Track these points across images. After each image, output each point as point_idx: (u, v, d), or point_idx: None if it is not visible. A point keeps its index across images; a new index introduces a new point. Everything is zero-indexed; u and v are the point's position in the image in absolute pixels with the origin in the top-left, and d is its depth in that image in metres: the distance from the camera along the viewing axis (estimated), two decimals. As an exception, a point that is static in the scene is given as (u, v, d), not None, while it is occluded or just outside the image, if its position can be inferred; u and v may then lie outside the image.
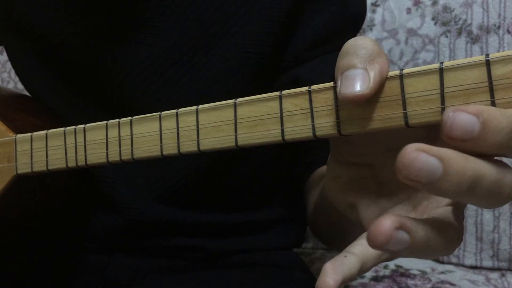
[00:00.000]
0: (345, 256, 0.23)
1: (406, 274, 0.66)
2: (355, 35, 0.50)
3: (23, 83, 0.54)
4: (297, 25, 0.46)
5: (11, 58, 0.53)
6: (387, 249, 0.20)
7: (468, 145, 0.19)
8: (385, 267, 0.69)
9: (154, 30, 0.45)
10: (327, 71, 0.45)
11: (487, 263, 0.68)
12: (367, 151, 0.28)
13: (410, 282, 0.63)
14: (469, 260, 0.69)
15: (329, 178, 0.30)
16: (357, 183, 0.29)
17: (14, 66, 0.53)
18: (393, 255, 0.24)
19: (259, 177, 0.51)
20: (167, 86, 0.46)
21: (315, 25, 0.46)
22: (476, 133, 0.18)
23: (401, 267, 0.69)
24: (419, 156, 0.18)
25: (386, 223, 0.19)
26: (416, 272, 0.67)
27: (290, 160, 0.51)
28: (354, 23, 0.49)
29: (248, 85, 0.45)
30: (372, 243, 0.20)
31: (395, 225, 0.19)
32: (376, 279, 0.64)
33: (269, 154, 0.50)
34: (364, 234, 0.26)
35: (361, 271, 0.23)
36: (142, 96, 0.46)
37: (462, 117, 0.19)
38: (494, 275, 0.66)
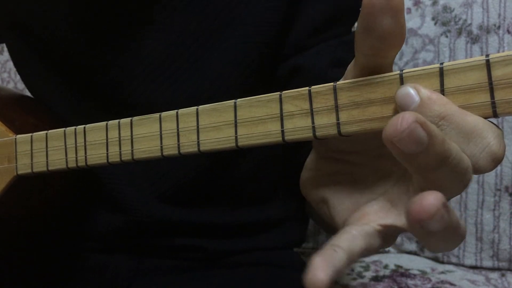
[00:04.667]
0: (334, 250, 0.23)
1: (406, 274, 0.66)
2: (353, 23, 0.49)
3: (24, 82, 0.54)
4: (297, 13, 0.45)
5: (13, 57, 0.53)
6: (429, 226, 0.19)
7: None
8: (385, 267, 0.69)
9: (156, 25, 0.45)
10: (327, 58, 0.45)
11: (487, 263, 0.68)
12: (351, 149, 0.28)
13: (410, 282, 0.63)
14: (469, 260, 0.69)
15: (306, 171, 0.31)
16: (332, 178, 0.29)
17: (15, 64, 0.53)
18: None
19: (259, 176, 0.51)
20: (171, 80, 0.45)
21: (315, 12, 0.45)
22: (411, 109, 0.22)
23: (401, 267, 0.69)
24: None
25: (431, 198, 0.19)
26: (416, 272, 0.67)
27: (292, 154, 0.51)
28: (353, 9, 0.49)
29: (252, 76, 0.45)
30: (415, 217, 0.19)
31: (441, 201, 0.19)
32: (376, 279, 0.64)
33: (270, 152, 0.50)
34: (346, 228, 0.25)
35: (349, 266, 0.23)
36: (146, 92, 0.46)
37: (407, 90, 0.22)
38: (494, 275, 0.66)
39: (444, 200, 0.19)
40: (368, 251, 0.24)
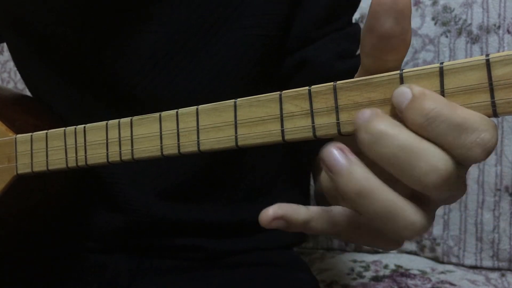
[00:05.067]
0: (298, 204, 0.26)
1: (406, 274, 0.66)
2: (353, 14, 0.50)
3: (24, 81, 0.54)
4: (301, 6, 0.46)
5: (13, 56, 0.53)
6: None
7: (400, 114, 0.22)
8: (385, 267, 0.69)
9: (156, 20, 0.45)
10: (332, 50, 0.45)
11: (487, 263, 0.69)
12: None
13: (410, 282, 0.63)
14: (469, 260, 0.69)
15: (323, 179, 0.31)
16: None
17: (16, 63, 0.53)
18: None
19: (259, 174, 0.51)
20: (174, 73, 0.45)
21: (317, 5, 0.46)
22: (404, 105, 0.22)
23: (401, 267, 0.69)
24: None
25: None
26: (416, 272, 0.67)
27: (294, 147, 0.51)
28: (353, 1, 0.49)
29: (256, 69, 0.45)
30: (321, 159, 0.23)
31: (338, 146, 0.23)
32: (376, 279, 0.64)
33: (270, 150, 0.50)
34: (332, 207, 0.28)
35: (306, 226, 0.26)
36: (148, 88, 0.46)
37: (402, 89, 0.22)
38: (494, 275, 0.66)
39: (340, 146, 0.23)
40: (341, 228, 0.26)
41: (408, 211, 0.22)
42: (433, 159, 0.21)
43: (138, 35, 0.45)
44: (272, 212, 0.25)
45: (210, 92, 0.45)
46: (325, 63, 0.45)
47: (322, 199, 0.47)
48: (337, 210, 0.26)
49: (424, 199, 0.24)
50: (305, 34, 0.46)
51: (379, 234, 0.26)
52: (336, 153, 0.23)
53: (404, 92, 0.22)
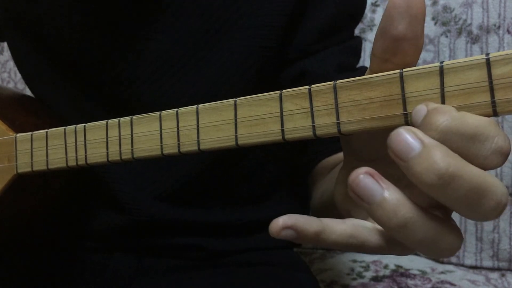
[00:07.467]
0: (310, 216, 0.25)
1: (406, 274, 0.66)
2: (355, 27, 0.50)
3: (25, 81, 0.54)
4: (302, 18, 0.46)
5: (14, 55, 0.53)
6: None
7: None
8: (385, 267, 0.69)
9: (160, 26, 0.45)
10: (333, 63, 0.45)
11: (487, 263, 0.68)
12: (371, 157, 0.28)
13: (410, 282, 0.63)
14: (469, 260, 0.69)
15: (336, 182, 0.31)
16: None
17: (16, 63, 0.53)
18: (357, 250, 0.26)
19: (260, 175, 0.51)
20: (174, 80, 0.46)
21: (320, 18, 0.46)
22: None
23: (401, 267, 0.69)
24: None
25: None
26: (416, 272, 0.67)
27: (294, 152, 0.51)
28: (355, 15, 0.50)
29: (255, 78, 0.46)
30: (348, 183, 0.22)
31: (366, 170, 0.22)
32: (376, 279, 0.64)
33: (271, 150, 0.50)
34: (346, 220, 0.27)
35: (318, 238, 0.25)
36: (149, 91, 0.46)
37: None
38: (494, 275, 0.66)
39: (370, 171, 0.22)
40: (357, 241, 0.25)
41: (448, 235, 0.21)
42: (498, 194, 0.20)
43: (141, 41, 0.45)
44: (282, 222, 0.24)
45: (210, 100, 0.46)
46: (325, 75, 0.45)
47: (323, 212, 0.47)
48: (359, 223, 0.26)
49: (449, 210, 0.23)
50: (306, 46, 0.46)
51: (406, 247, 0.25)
52: (369, 181, 0.21)
53: (420, 109, 0.21)
